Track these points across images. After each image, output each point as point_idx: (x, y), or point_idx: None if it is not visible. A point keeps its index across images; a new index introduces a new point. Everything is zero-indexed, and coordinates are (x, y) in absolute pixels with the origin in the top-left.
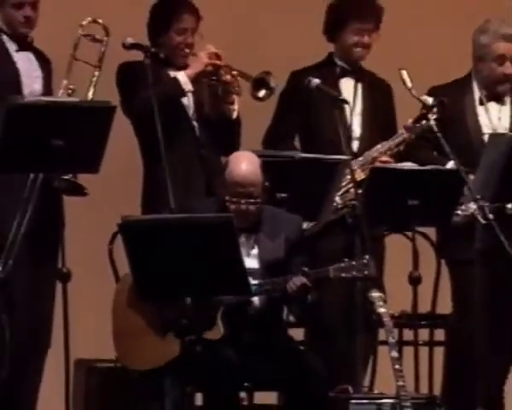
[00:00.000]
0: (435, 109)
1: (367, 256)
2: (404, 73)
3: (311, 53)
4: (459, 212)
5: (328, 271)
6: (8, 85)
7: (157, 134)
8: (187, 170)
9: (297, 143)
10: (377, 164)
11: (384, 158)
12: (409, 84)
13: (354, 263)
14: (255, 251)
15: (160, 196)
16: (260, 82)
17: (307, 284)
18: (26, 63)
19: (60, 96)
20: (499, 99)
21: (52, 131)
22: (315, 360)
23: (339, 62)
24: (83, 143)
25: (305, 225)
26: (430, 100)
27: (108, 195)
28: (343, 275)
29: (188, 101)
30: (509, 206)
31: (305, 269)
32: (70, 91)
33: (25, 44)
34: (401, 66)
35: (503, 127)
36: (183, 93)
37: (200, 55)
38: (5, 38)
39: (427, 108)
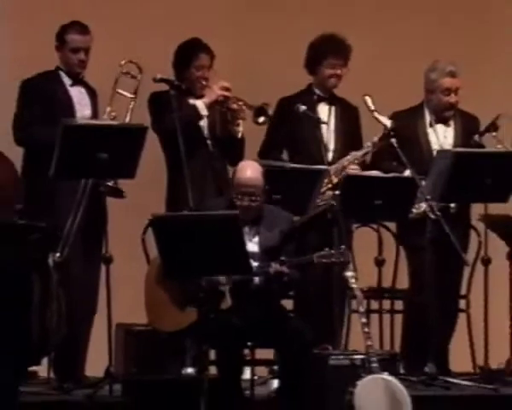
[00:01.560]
0: (392, 132)
1: (343, 246)
2: (368, 99)
3: (295, 83)
4: (414, 210)
5: (312, 257)
6: (65, 111)
7: (179, 148)
8: (202, 177)
9: (284, 155)
10: (350, 172)
11: (352, 166)
12: (372, 107)
13: (333, 251)
14: (256, 239)
15: (180, 197)
16: (260, 111)
17: (283, 270)
18: (78, 94)
19: (104, 119)
20: (445, 122)
21: (98, 147)
22: (301, 324)
23: (316, 91)
24: (122, 156)
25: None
26: (389, 123)
27: (141, 196)
28: (324, 261)
29: (203, 123)
30: (452, 205)
31: (283, 258)
32: (112, 116)
33: (77, 80)
34: (368, 93)
35: (448, 144)
36: (200, 117)
37: (214, 87)
38: (63, 74)
39: (386, 129)
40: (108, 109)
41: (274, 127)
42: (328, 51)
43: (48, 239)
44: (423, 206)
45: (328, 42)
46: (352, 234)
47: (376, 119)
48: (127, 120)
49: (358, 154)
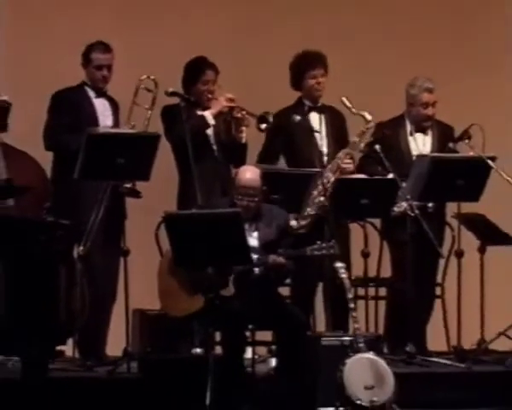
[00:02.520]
0: (372, 124)
1: (333, 240)
2: (345, 100)
3: (290, 96)
4: (395, 208)
5: (305, 250)
6: (89, 121)
7: (188, 154)
8: (209, 179)
9: (281, 161)
10: (344, 167)
11: (346, 161)
12: (348, 105)
13: (324, 245)
14: (255, 234)
15: (190, 197)
16: (262, 118)
17: (280, 261)
18: (101, 106)
19: (123, 128)
20: (424, 131)
21: (117, 153)
22: (296, 309)
23: (306, 102)
24: (138, 161)
25: (292, 220)
26: (368, 115)
27: (155, 196)
28: (316, 253)
29: (210, 131)
30: (430, 205)
31: (280, 250)
32: (131, 126)
33: (101, 93)
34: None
35: (426, 151)
36: (208, 126)
37: (220, 99)
38: (88, 88)
39: (366, 121)
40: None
41: (271, 137)
42: (306, 66)
43: (72, 234)
44: (404, 205)
45: (304, 58)
46: (349, 231)
47: (358, 114)
48: (145, 128)
49: (346, 150)
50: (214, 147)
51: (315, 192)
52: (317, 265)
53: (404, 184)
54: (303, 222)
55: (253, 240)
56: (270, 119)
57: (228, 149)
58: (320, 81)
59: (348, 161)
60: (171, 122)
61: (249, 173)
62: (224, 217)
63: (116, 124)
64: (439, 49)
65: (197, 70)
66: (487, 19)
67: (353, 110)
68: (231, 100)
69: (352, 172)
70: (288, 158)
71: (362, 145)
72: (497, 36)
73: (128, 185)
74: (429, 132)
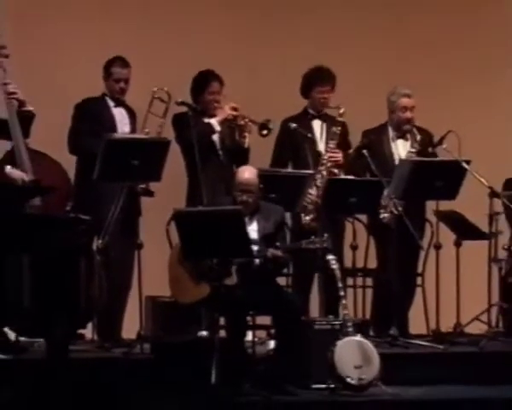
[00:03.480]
0: (343, 110)
1: (326, 235)
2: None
3: (294, 104)
4: (385, 214)
5: (301, 243)
6: (108, 128)
7: (195, 157)
8: (214, 179)
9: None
10: (332, 176)
11: (334, 151)
12: (341, 111)
13: (317, 239)
14: (255, 228)
15: (197, 196)
16: (264, 125)
17: (278, 253)
18: (119, 114)
19: (139, 134)
20: (404, 137)
21: (132, 156)
22: (293, 296)
23: (310, 111)
24: (151, 163)
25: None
26: (342, 109)
27: (166, 195)
28: (311, 246)
29: (216, 137)
30: (399, 209)
31: (278, 244)
32: (146, 132)
33: (119, 103)
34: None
35: (406, 155)
36: (214, 132)
37: (225, 108)
38: (107, 98)
39: (339, 114)
40: (146, 130)
41: (279, 145)
42: (316, 80)
43: (92, 229)
44: (389, 203)
45: (316, 73)
46: (344, 228)
47: (334, 107)
48: (158, 135)
49: (332, 142)
50: (220, 151)
51: (310, 191)
52: (313, 257)
53: (387, 186)
54: (311, 216)
55: (253, 233)
56: (271, 126)
57: (232, 153)
58: (326, 97)
59: (336, 150)
60: (180, 129)
61: (247, 173)
62: (226, 213)
63: (133, 131)
64: (419, 62)
65: (204, 81)
66: (470, 33)
67: (330, 105)
68: (235, 109)
69: (342, 164)
70: (294, 163)
71: (338, 130)
72: (477, 49)
73: (143, 186)
74: (409, 138)
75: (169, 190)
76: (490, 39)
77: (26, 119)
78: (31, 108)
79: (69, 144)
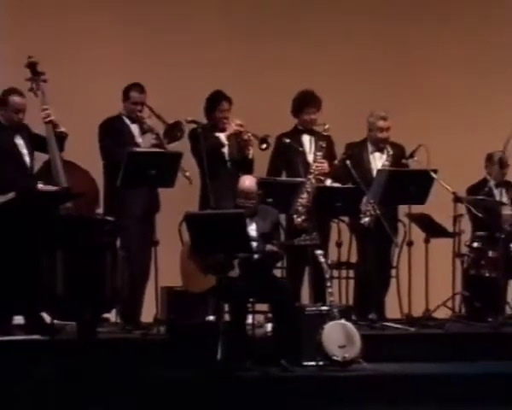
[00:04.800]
0: (327, 126)
1: (314, 233)
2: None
3: (288, 121)
4: (366, 219)
5: (293, 241)
6: (128, 142)
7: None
8: (223, 186)
9: (283, 176)
10: (320, 184)
11: (320, 161)
12: (326, 127)
13: (308, 236)
14: (254, 227)
15: (207, 201)
16: (263, 140)
17: (274, 249)
18: (136, 130)
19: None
20: (381, 151)
21: (150, 166)
22: (287, 286)
23: (300, 128)
24: (166, 172)
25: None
26: (326, 126)
27: (180, 198)
28: (302, 243)
29: (225, 149)
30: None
31: (275, 241)
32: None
33: (135, 121)
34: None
35: (383, 166)
36: (223, 145)
37: (232, 124)
38: (124, 117)
39: (324, 129)
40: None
41: (275, 156)
42: (305, 104)
43: (116, 229)
44: (368, 207)
45: (304, 96)
46: (330, 228)
47: (320, 124)
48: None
49: (319, 153)
50: (228, 162)
51: (302, 196)
52: (304, 252)
53: (367, 193)
54: (302, 217)
55: (253, 231)
56: (270, 140)
57: (238, 163)
58: (313, 117)
59: (322, 161)
60: (194, 142)
61: (248, 181)
62: (230, 216)
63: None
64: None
65: (215, 101)
66: (434, 66)
67: (317, 123)
68: (241, 125)
69: (327, 172)
70: (287, 173)
71: (324, 144)
72: (442, 80)
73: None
74: (385, 152)
75: (182, 194)
76: (452, 71)
77: (61, 137)
78: (63, 129)
79: (102, 154)
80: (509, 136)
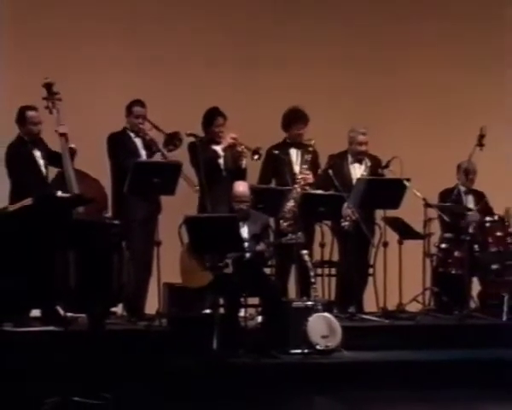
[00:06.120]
0: (313, 142)
1: (299, 233)
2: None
3: (278, 135)
4: (346, 223)
5: (281, 240)
6: (133, 154)
7: (201, 176)
8: (218, 193)
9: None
10: (308, 180)
11: (305, 173)
12: (312, 142)
13: (294, 236)
14: (246, 229)
15: (205, 206)
16: (255, 152)
17: (264, 249)
18: (139, 143)
19: (157, 158)
20: (360, 162)
21: (153, 175)
22: (275, 282)
23: (288, 141)
24: (168, 180)
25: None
26: (312, 141)
27: (180, 203)
28: (289, 242)
29: (220, 160)
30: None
31: (266, 240)
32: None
33: (138, 134)
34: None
35: (362, 175)
36: (219, 156)
37: (227, 138)
38: (129, 131)
39: (310, 144)
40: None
41: (265, 166)
42: (293, 119)
43: (122, 231)
44: (348, 211)
45: (293, 113)
46: (314, 231)
47: (306, 139)
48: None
49: (305, 166)
50: (223, 171)
51: (288, 202)
52: (290, 252)
53: (348, 199)
54: (288, 222)
55: (245, 233)
56: (261, 152)
57: (233, 172)
58: (300, 132)
59: (307, 172)
60: (192, 154)
61: (241, 187)
62: (225, 219)
63: (150, 155)
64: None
65: (211, 116)
66: (407, 91)
67: (304, 137)
68: (235, 138)
69: (312, 183)
70: (276, 181)
71: (309, 157)
72: (414, 103)
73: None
74: (364, 162)
75: (182, 200)
76: (423, 95)
77: (71, 153)
78: (73, 146)
79: (111, 165)
80: (473, 148)
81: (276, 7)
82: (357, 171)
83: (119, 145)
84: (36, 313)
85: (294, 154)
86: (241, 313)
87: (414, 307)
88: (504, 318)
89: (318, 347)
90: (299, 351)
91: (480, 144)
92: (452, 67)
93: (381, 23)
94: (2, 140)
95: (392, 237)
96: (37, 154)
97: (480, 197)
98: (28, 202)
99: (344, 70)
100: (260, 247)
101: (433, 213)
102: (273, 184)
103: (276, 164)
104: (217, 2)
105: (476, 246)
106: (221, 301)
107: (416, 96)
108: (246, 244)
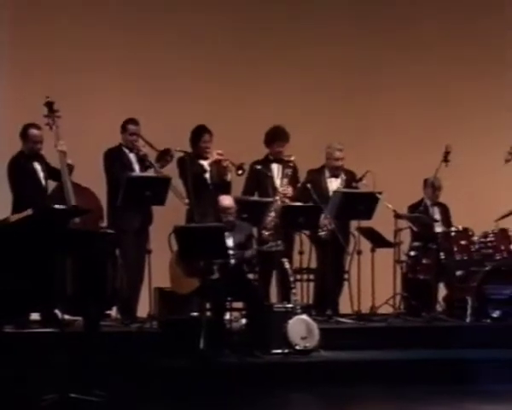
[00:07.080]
0: (293, 158)
1: (279, 241)
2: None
3: (261, 151)
4: (323, 233)
5: (263, 247)
6: (127, 168)
7: (189, 189)
8: (205, 205)
9: (255, 195)
10: (286, 202)
11: (285, 187)
12: (292, 158)
13: (274, 244)
14: (231, 238)
15: (192, 216)
16: (240, 167)
17: (247, 256)
18: (133, 158)
19: (150, 173)
20: (336, 176)
21: (145, 188)
22: (258, 287)
23: (270, 157)
24: (158, 193)
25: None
26: (292, 157)
27: (170, 214)
28: (270, 249)
29: (207, 174)
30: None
31: (254, 247)
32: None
33: (132, 150)
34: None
35: (338, 188)
36: (206, 171)
37: (213, 153)
38: (124, 148)
39: (289, 160)
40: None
41: (249, 180)
42: (275, 137)
43: (116, 240)
44: (325, 221)
45: (275, 131)
46: (294, 239)
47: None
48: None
49: (285, 181)
50: (210, 185)
51: (270, 213)
52: (272, 259)
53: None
54: (269, 232)
55: (230, 242)
56: (245, 167)
57: (218, 185)
58: (281, 150)
59: (287, 186)
60: (181, 169)
61: (227, 200)
62: (211, 229)
63: (143, 169)
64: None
65: (198, 134)
66: (388, 113)
67: (285, 154)
68: (220, 154)
69: (292, 197)
70: (259, 193)
71: (290, 172)
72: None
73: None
74: (340, 177)
75: (173, 211)
76: (400, 117)
77: (69, 168)
78: (70, 162)
79: (107, 179)
80: (438, 164)
81: (262, 24)
82: (334, 184)
83: (114, 160)
84: (35, 316)
85: (276, 169)
86: (227, 315)
87: (385, 310)
88: (468, 320)
89: (298, 347)
90: (279, 351)
91: (446, 160)
92: (433, 83)
93: (355, 49)
94: (5, 153)
95: (366, 245)
96: (38, 167)
97: (444, 209)
98: (28, 213)
99: (318, 94)
100: (249, 253)
101: (402, 223)
102: (256, 197)
103: (258, 178)
104: (203, 21)
105: (442, 254)
106: (208, 305)
107: (389, 114)
108: (231, 252)
